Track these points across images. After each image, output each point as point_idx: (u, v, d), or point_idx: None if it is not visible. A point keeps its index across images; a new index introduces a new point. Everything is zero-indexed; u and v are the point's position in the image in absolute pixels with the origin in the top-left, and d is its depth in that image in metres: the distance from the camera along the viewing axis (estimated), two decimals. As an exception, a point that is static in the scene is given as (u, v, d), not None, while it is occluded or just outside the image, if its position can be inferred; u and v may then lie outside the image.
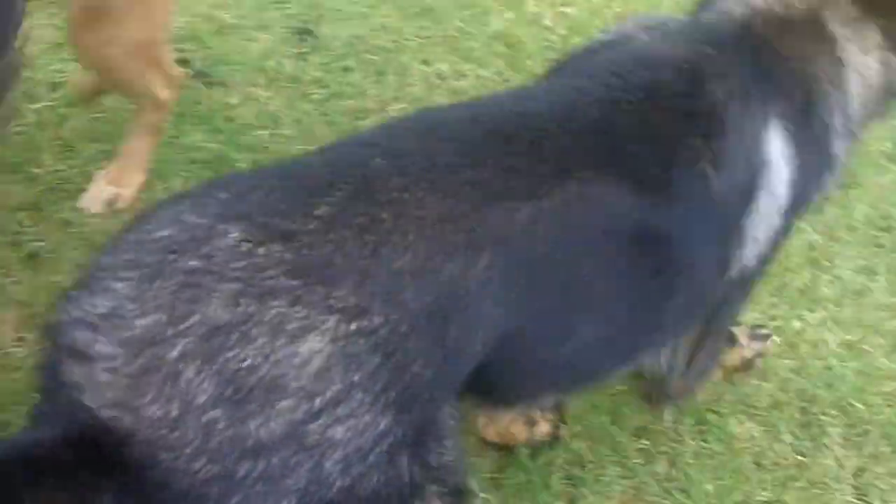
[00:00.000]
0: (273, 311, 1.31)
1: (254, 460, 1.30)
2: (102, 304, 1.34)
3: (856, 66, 1.94)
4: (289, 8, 3.35)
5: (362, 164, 1.51)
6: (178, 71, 2.72)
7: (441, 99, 3.15)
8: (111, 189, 2.66)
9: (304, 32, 3.26)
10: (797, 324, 2.68)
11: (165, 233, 1.38)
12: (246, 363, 1.29)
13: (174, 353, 1.29)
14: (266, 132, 2.95)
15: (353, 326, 1.35)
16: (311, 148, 2.78)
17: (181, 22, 3.17)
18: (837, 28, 1.92)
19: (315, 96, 3.09)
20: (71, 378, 1.32)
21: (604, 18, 3.53)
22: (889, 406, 2.52)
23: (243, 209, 1.40)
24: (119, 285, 1.34)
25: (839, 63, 1.93)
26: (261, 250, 1.35)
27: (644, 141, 1.71)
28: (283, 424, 1.31)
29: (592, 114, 1.70)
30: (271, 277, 1.33)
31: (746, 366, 2.49)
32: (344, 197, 1.43)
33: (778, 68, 1.87)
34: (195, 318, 1.30)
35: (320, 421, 1.32)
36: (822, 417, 2.47)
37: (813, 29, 1.92)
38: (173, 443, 1.28)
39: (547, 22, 3.50)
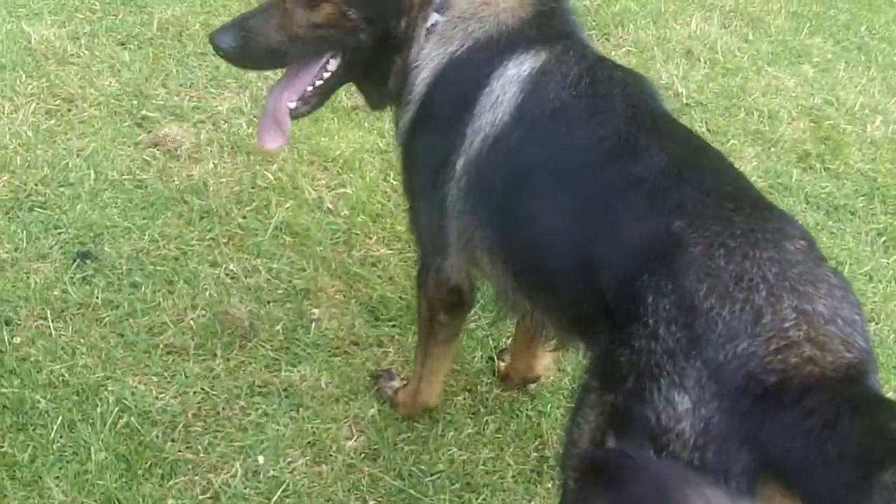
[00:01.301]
0: None
1: None
2: None
3: None
4: (63, 233, 3.26)
5: None
6: None
7: (236, 300, 3.13)
8: None
9: (84, 255, 3.18)
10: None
11: None
12: None
13: None
14: (62, 366, 2.83)
15: None
16: (116, 374, 2.76)
17: (-48, 265, 3.04)
18: None
19: (107, 319, 3.00)
20: None
21: (383, 191, 3.63)
22: None
23: None
24: None
25: None
26: None
27: None
28: None
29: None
30: None
31: None
32: None
33: None
34: None
35: None
36: None
37: None
38: None
39: (328, 205, 3.56)
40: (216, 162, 3.65)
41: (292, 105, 2.52)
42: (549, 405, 2.99)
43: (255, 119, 3.86)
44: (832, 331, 1.79)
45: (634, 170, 2.13)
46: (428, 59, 2.47)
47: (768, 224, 1.98)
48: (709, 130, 4.31)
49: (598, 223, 2.12)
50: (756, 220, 1.98)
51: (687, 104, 4.46)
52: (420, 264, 2.72)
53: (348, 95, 4.14)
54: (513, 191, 2.29)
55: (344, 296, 3.26)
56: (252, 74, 4.09)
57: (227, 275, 3.23)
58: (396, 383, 2.97)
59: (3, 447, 2.63)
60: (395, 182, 3.71)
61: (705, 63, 4.79)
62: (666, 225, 1.99)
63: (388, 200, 3.62)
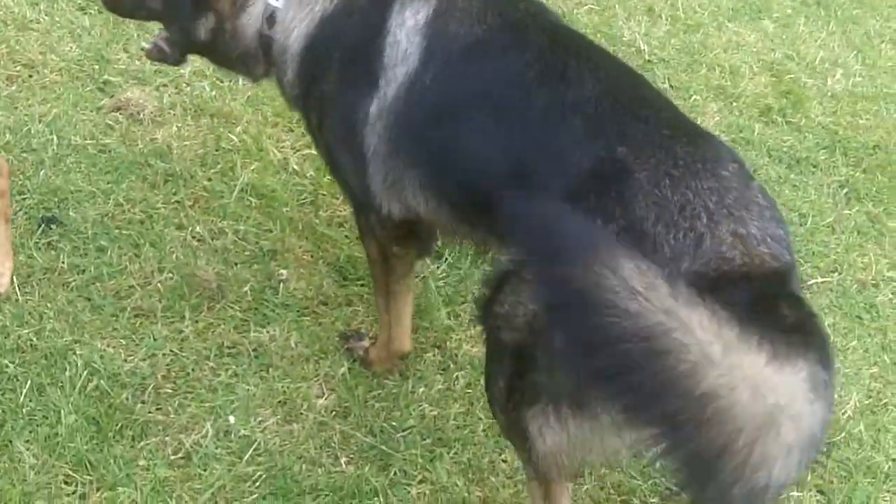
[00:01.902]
0: None
1: None
2: None
3: None
4: (28, 198, 3.23)
5: None
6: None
7: (203, 262, 3.13)
8: None
9: (49, 221, 3.16)
10: None
11: None
12: None
13: None
14: (30, 330, 2.83)
15: None
16: (84, 337, 2.76)
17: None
18: None
19: (74, 283, 3.00)
20: None
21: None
22: None
23: None
24: None
25: None
26: None
27: None
28: None
29: None
30: None
31: None
32: None
33: None
34: None
35: None
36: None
37: None
38: None
39: (294, 166, 3.56)
40: (179, 125, 3.63)
41: (146, 45, 3.03)
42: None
43: (217, 82, 3.84)
44: (763, 250, 2.02)
45: (568, 95, 2.25)
46: (294, 19, 2.64)
47: (706, 153, 2.14)
48: (671, 87, 4.34)
49: (537, 147, 2.23)
50: (694, 148, 2.14)
51: (649, 61, 4.49)
52: (356, 212, 2.79)
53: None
54: (440, 129, 2.39)
55: (311, 256, 3.27)
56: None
57: (193, 237, 3.23)
58: (366, 343, 2.99)
59: (-28, 412, 2.63)
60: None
61: (667, 20, 4.81)
62: (610, 150, 2.11)
63: (354, 161, 3.61)
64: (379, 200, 2.60)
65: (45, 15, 4.00)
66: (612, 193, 2.06)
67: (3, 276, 2.91)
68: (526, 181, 2.21)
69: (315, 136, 2.79)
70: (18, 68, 3.77)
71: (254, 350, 2.93)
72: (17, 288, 2.93)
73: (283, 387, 2.84)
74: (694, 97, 4.30)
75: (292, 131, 3.71)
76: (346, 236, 3.33)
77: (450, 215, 2.50)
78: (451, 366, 3.00)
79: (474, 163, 2.34)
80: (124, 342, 2.87)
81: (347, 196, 2.84)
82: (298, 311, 3.08)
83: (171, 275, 3.07)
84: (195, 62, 3.83)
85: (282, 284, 3.13)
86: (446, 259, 3.30)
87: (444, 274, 3.26)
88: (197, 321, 2.96)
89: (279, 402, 2.81)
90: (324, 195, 3.46)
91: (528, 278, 2.04)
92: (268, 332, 2.98)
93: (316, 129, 2.73)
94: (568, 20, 4.64)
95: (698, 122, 4.00)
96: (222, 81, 3.84)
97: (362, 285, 3.19)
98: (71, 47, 3.87)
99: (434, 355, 3.02)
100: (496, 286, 2.23)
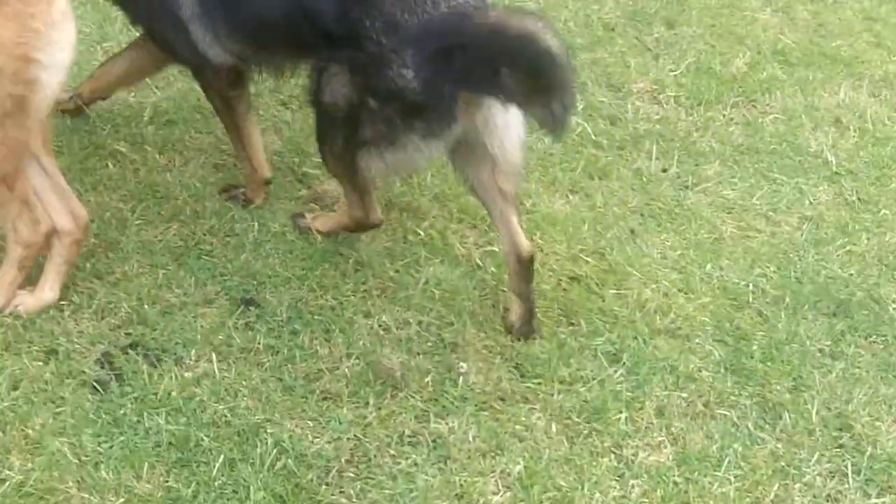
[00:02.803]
0: None
1: None
2: None
3: None
4: (228, 280, 3.43)
5: None
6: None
7: (388, 350, 3.24)
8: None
9: (248, 302, 3.34)
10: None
11: None
12: None
13: None
14: (225, 406, 2.98)
15: None
16: (275, 416, 2.89)
17: (128, 306, 3.24)
18: None
19: (268, 363, 3.14)
20: None
21: (528, 253, 3.71)
22: None
23: None
24: None
25: None
26: None
27: None
28: None
29: None
30: None
31: None
32: None
33: None
34: None
35: None
36: None
37: None
38: None
39: (476, 261, 3.66)
40: (371, 217, 3.80)
41: None
42: (696, 472, 2.99)
43: (407, 178, 4.01)
44: (462, 3, 3.21)
45: None
46: None
47: None
48: (859, 199, 4.27)
49: None
50: None
51: (836, 173, 4.44)
52: (196, 75, 3.72)
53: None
54: None
55: (490, 351, 3.34)
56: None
57: (379, 326, 3.35)
58: (241, 190, 3.78)
59: (168, 482, 2.77)
60: (541, 241, 3.79)
61: (855, 131, 4.75)
62: None
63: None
64: (209, 55, 3.47)
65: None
66: (369, 4, 3.17)
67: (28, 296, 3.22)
68: (307, 14, 3.23)
69: (143, 23, 3.64)
70: (224, 157, 4.03)
71: (433, 441, 2.99)
72: (215, 365, 3.10)
73: (460, 480, 2.89)
74: (883, 211, 4.22)
75: (476, 227, 3.83)
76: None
77: (260, 52, 3.49)
78: (627, 473, 2.98)
79: (265, 9, 3.35)
80: (312, 424, 2.98)
81: (187, 65, 3.73)
82: (476, 404, 3.14)
83: (357, 361, 3.19)
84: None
85: (461, 377, 3.20)
86: (624, 363, 3.31)
87: (621, 378, 3.27)
88: (380, 408, 3.06)
89: (456, 494, 2.86)
90: (503, 291, 3.54)
91: (336, 72, 3.26)
92: (447, 423, 3.05)
93: (143, 14, 3.58)
94: (752, 128, 4.67)
95: (887, 240, 3.97)
96: (411, 178, 4.00)
97: (539, 383, 3.23)
98: (273, 139, 4.12)
99: (610, 460, 3.02)
100: (316, 85, 3.35)
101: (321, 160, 3.62)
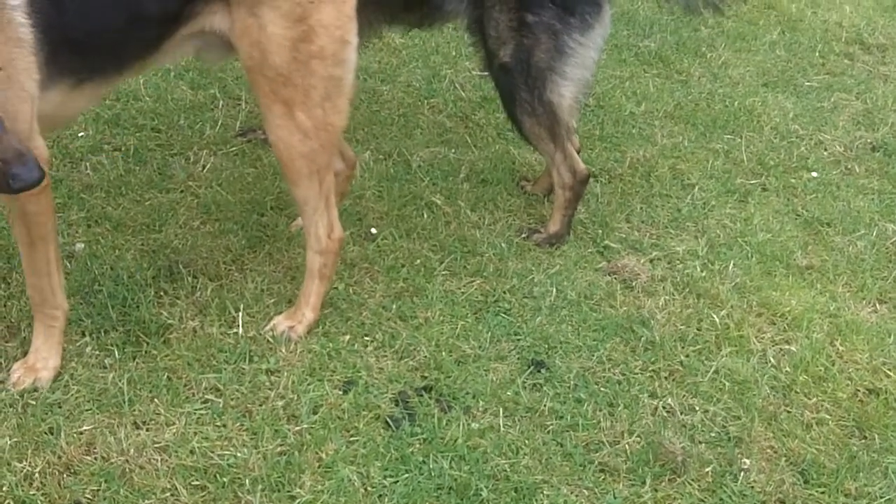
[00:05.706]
0: None
1: None
2: None
3: None
4: (522, 340, 3.55)
5: None
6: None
7: (671, 433, 3.22)
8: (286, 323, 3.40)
9: (538, 364, 3.43)
10: None
11: None
12: None
13: None
14: (506, 462, 3.06)
15: None
16: (552, 479, 2.94)
17: (426, 351, 3.42)
18: None
19: (551, 427, 3.21)
20: None
21: (828, 355, 3.60)
22: None
23: None
24: None
25: None
26: None
27: None
28: None
29: None
30: None
31: None
32: None
33: None
34: None
35: None
36: None
37: None
38: None
39: (771, 358, 3.58)
40: (667, 298, 3.81)
41: None
42: None
43: (708, 264, 4.00)
44: None
45: None
46: None
47: None
48: None
49: None
50: None
51: None
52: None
53: (803, 255, 4.17)
54: None
55: (776, 451, 3.24)
56: (711, 221, 4.27)
57: (664, 408, 3.34)
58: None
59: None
60: (841, 348, 3.66)
61: None
62: None
63: (833, 365, 3.57)
64: None
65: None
66: None
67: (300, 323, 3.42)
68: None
69: None
70: (532, 222, 4.17)
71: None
72: (501, 420, 3.20)
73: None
74: None
75: (774, 324, 3.75)
76: (812, 438, 3.27)
77: None
78: None
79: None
80: (587, 493, 3.01)
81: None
82: (755, 503, 3.06)
83: (639, 439, 3.20)
84: (689, 241, 4.01)
85: (742, 473, 3.13)
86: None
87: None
88: (657, 489, 3.04)
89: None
90: (797, 392, 3.44)
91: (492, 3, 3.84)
92: (726, 517, 3.00)
93: None
94: None
95: None
96: (713, 264, 3.98)
97: (822, 492, 3.11)
98: (581, 210, 4.22)
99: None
100: (483, 36, 3.88)
101: (518, 133, 4.06)
